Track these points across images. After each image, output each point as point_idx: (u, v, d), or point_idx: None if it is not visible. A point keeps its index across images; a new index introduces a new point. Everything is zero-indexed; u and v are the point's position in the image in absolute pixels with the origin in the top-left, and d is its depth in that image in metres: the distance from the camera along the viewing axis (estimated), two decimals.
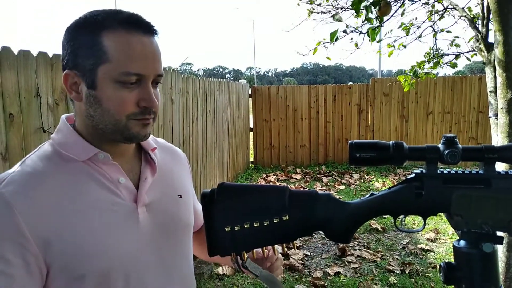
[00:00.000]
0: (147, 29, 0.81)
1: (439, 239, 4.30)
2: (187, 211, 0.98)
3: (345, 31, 3.07)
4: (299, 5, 3.66)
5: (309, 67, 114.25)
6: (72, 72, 0.80)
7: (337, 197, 0.81)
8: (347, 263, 3.81)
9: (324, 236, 4.84)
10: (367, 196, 0.72)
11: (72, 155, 0.82)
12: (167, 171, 0.96)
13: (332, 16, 2.64)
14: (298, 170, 7.50)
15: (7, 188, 0.75)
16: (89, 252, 0.77)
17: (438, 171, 0.68)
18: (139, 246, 0.84)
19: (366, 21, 2.69)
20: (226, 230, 0.72)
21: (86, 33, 0.79)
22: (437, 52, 3.72)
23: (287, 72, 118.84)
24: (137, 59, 0.78)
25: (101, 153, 0.83)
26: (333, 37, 2.71)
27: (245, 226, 0.72)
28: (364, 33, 3.02)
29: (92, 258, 0.78)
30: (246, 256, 0.75)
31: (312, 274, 3.61)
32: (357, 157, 0.69)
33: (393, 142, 0.68)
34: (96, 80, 0.78)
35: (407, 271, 3.56)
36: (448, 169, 0.69)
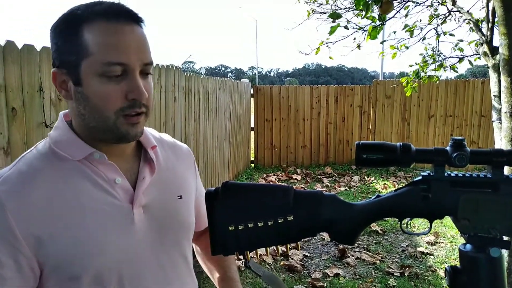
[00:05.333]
0: (129, 17, 0.77)
1: (439, 242, 4.29)
2: (187, 212, 0.96)
3: (346, 27, 3.07)
4: (299, 2, 3.66)
5: (311, 68, 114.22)
6: (59, 70, 0.78)
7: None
8: (346, 265, 3.80)
9: (324, 237, 4.78)
10: (373, 197, 0.71)
11: (67, 154, 0.80)
12: (167, 170, 0.93)
13: (329, 16, 2.63)
14: (298, 170, 7.49)
15: (0, 187, 0.74)
16: (82, 252, 0.76)
17: (445, 174, 0.67)
18: (134, 247, 0.83)
19: (367, 18, 2.69)
20: (230, 229, 0.71)
21: (67, 29, 0.76)
22: (439, 55, 3.71)
23: (289, 72, 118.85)
24: (119, 48, 0.75)
25: (96, 152, 0.81)
26: (333, 31, 2.71)
27: (249, 226, 0.71)
28: (365, 30, 3.02)
29: (85, 258, 0.76)
30: (249, 256, 0.75)
31: (311, 275, 3.60)
32: (364, 158, 0.68)
33: (400, 143, 0.68)
34: (80, 76, 0.76)
35: (406, 274, 3.55)
36: (456, 172, 0.68)
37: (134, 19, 0.78)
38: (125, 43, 0.75)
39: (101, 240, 0.78)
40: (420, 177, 0.68)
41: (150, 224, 0.86)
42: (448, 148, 0.66)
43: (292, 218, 0.71)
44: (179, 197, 0.93)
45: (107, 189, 0.81)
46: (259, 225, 0.71)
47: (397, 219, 0.71)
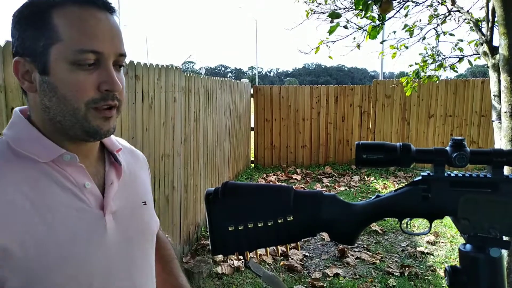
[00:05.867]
0: (103, 5, 0.72)
1: (439, 242, 4.30)
2: (151, 219, 0.91)
3: (345, 27, 3.08)
4: (298, 1, 3.67)
5: (311, 68, 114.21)
6: (22, 59, 0.71)
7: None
8: (346, 265, 3.80)
9: (324, 237, 4.77)
10: (373, 197, 0.71)
11: (31, 154, 0.71)
12: (131, 175, 0.88)
13: (329, 15, 2.64)
14: (298, 170, 7.49)
15: None
16: (54, 264, 0.69)
17: (445, 174, 0.67)
18: (107, 256, 0.77)
19: (367, 18, 2.71)
20: (230, 229, 0.71)
21: (34, 14, 0.70)
22: (438, 55, 3.72)
23: (289, 72, 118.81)
24: (93, 35, 0.69)
25: (67, 154, 0.73)
26: (332, 31, 2.72)
27: (249, 226, 0.71)
28: (365, 30, 3.03)
29: (57, 269, 0.69)
30: (249, 256, 0.75)
31: (311, 275, 3.60)
32: (364, 158, 0.68)
33: (400, 144, 0.68)
34: (48, 63, 0.69)
35: (406, 274, 3.55)
36: (456, 172, 0.68)
37: (108, 8, 0.73)
38: (100, 30, 0.70)
39: (72, 249, 0.71)
40: (420, 177, 0.69)
41: (120, 233, 0.80)
42: (448, 148, 0.66)
43: (292, 218, 0.71)
44: (143, 203, 0.89)
45: (77, 194, 0.74)
46: (259, 225, 0.71)
47: (397, 219, 0.71)
